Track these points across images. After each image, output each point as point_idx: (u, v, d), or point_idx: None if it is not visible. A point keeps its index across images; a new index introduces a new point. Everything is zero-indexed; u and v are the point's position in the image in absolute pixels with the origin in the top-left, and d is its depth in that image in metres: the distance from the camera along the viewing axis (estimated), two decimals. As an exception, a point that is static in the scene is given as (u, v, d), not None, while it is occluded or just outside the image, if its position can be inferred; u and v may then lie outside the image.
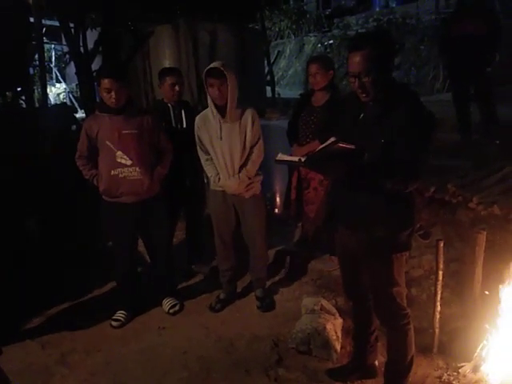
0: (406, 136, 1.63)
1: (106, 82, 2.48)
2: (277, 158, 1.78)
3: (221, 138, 2.60)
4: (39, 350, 2.59)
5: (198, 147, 2.72)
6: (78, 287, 3.19)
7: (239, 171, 2.64)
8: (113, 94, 2.49)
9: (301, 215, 3.23)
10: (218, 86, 2.48)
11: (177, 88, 3.02)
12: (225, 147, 2.61)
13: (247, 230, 2.83)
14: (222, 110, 2.57)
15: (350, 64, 1.70)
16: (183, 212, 3.39)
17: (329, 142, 1.58)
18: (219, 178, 2.68)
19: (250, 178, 2.66)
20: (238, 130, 2.59)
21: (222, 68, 2.47)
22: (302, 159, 1.65)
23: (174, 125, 3.05)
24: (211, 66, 2.52)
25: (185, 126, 3.06)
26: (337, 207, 1.94)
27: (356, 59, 1.67)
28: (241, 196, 2.70)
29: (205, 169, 2.77)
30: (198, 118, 2.70)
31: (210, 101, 2.58)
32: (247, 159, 2.65)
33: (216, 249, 2.92)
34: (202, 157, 2.73)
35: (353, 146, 1.59)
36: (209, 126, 2.63)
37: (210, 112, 2.60)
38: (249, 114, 2.60)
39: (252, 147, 2.64)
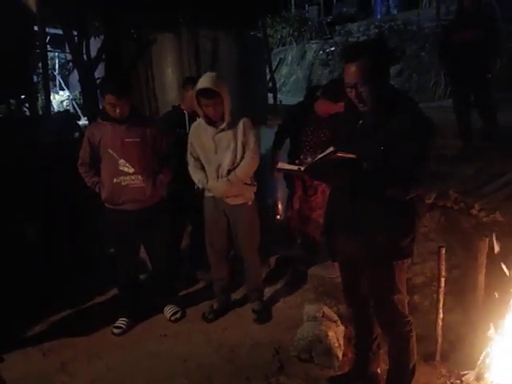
0: (405, 143, 1.63)
1: (110, 98, 2.49)
2: (277, 167, 1.80)
3: (212, 150, 2.59)
4: (40, 358, 2.59)
5: (188, 152, 2.70)
6: (79, 294, 3.18)
7: (228, 174, 2.59)
8: (117, 109, 2.51)
9: (304, 224, 3.23)
10: (213, 105, 2.46)
11: None
12: (217, 156, 2.60)
13: (238, 240, 2.79)
14: (214, 122, 2.56)
15: (345, 75, 1.70)
16: (189, 218, 3.38)
17: (328, 151, 1.59)
18: (207, 181, 2.64)
19: (241, 182, 2.59)
20: (230, 139, 2.56)
21: (215, 88, 2.41)
22: (302, 168, 1.66)
23: (187, 131, 3.08)
24: (203, 85, 2.44)
25: None
26: (337, 214, 1.94)
27: (351, 70, 1.66)
28: (228, 201, 2.64)
29: (192, 173, 2.71)
30: (193, 125, 2.70)
31: (201, 114, 2.56)
32: (238, 165, 2.60)
33: (208, 258, 2.89)
34: (191, 162, 2.70)
35: (352, 155, 1.59)
36: (202, 134, 2.62)
37: (204, 123, 2.59)
38: (241, 124, 2.57)
39: (244, 153, 2.59)
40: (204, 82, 2.45)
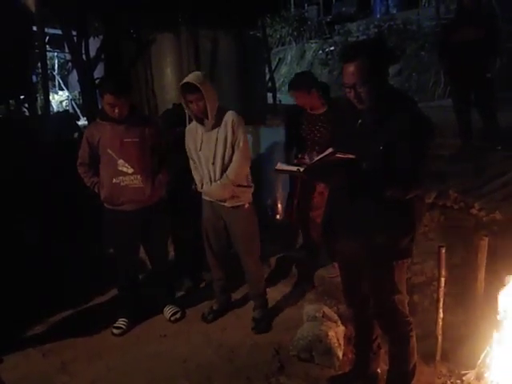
0: (404, 143, 1.63)
1: (109, 98, 2.48)
2: (276, 168, 1.80)
3: (200, 148, 2.58)
4: (40, 358, 2.59)
5: (188, 155, 2.70)
6: (79, 294, 3.18)
7: (221, 176, 2.56)
8: (116, 109, 2.50)
9: (305, 222, 3.22)
10: (195, 101, 2.46)
11: None
12: (206, 155, 2.58)
13: (236, 244, 2.75)
14: (202, 120, 2.56)
15: (344, 75, 1.69)
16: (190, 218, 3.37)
17: (326, 152, 1.58)
18: (202, 185, 2.64)
19: (235, 183, 2.54)
20: (217, 136, 2.54)
21: (196, 83, 2.41)
22: (301, 169, 1.66)
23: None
24: (186, 80, 2.47)
25: None
26: (336, 215, 1.93)
27: (350, 70, 1.66)
28: (225, 203, 2.61)
29: (194, 175, 2.72)
30: (187, 128, 2.69)
31: (188, 112, 2.57)
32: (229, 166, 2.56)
33: (207, 259, 2.89)
34: (191, 164, 2.72)
35: (351, 156, 1.59)
36: (195, 136, 2.63)
37: (196, 125, 2.61)
38: (229, 118, 2.53)
39: (234, 150, 2.55)
40: (186, 78, 2.49)
